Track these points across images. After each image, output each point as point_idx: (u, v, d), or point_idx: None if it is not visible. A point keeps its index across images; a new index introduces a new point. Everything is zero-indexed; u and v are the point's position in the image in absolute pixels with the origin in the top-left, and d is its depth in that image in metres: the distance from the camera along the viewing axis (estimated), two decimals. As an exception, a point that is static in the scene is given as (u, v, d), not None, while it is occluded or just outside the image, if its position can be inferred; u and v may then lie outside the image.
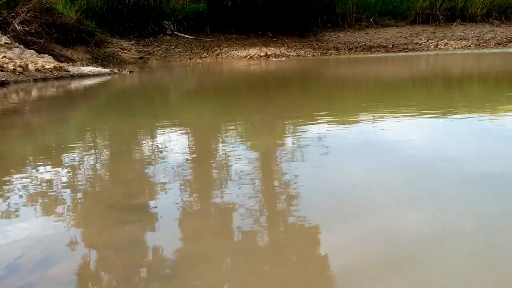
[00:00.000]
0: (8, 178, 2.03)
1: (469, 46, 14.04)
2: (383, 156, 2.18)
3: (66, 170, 2.11)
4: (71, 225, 1.48)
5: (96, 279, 1.15)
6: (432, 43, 14.33)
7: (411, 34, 14.89)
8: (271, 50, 13.43)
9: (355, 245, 1.27)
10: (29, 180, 1.96)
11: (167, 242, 1.33)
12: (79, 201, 1.71)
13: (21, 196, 1.75)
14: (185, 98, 5.54)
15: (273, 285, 1.10)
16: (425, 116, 3.19)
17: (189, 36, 14.28)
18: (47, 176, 2.00)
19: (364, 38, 14.65)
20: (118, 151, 2.59)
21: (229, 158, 2.26)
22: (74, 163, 2.24)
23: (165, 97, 5.72)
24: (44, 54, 9.03)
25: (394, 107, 3.81)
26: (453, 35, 14.82)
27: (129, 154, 2.47)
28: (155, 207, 1.61)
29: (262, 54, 13.18)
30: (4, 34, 9.18)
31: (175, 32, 14.21)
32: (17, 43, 8.97)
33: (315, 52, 13.66)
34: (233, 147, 2.48)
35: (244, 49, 13.58)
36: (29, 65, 7.51)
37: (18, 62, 7.53)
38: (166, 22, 14.21)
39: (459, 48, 13.91)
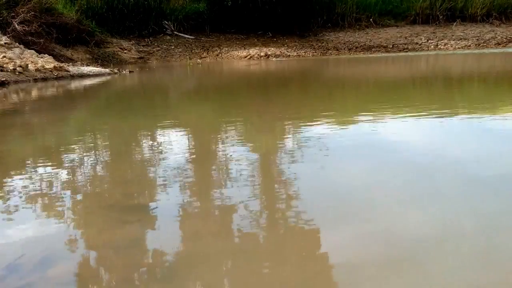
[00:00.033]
0: (8, 178, 2.03)
1: (469, 46, 14.04)
2: (383, 156, 2.18)
3: (66, 170, 2.11)
4: (71, 225, 1.48)
5: (96, 279, 1.15)
6: (432, 43, 14.33)
7: (411, 34, 14.89)
8: (271, 50, 13.43)
9: (355, 245, 1.27)
10: (29, 180, 1.96)
11: (167, 242, 1.33)
12: (79, 201, 1.71)
13: (21, 196, 1.75)
14: (185, 98, 5.54)
15: (273, 285, 1.10)
16: (425, 116, 3.19)
17: (189, 36, 14.28)
18: (47, 176, 2.00)
19: (364, 38, 14.65)
20: (118, 151, 2.59)
21: (229, 158, 2.26)
22: (74, 163, 2.24)
23: (165, 97, 5.72)
24: (44, 54, 9.03)
25: (394, 107, 3.81)
26: (453, 35, 14.82)
27: (129, 154, 2.47)
28: (155, 207, 1.61)
29: (262, 54, 13.18)
30: (4, 34, 9.18)
31: (175, 32, 14.21)
32: (17, 43, 8.97)
33: (315, 52, 13.66)
34: (233, 147, 2.48)
35: (244, 49, 13.58)
36: (29, 65, 7.51)
37: (18, 62, 7.53)
38: (166, 22, 14.21)
39: (459, 48, 13.91)
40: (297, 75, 8.29)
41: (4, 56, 7.71)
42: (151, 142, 2.77)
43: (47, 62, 8.20)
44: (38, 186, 1.87)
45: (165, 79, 8.66)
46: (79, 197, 1.75)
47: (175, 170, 2.04)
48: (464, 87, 5.47)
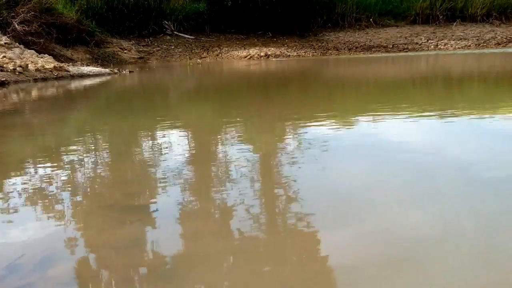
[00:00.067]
0: (8, 178, 2.03)
1: (469, 46, 14.04)
2: (383, 156, 2.17)
3: (66, 170, 2.11)
4: (71, 225, 1.48)
5: (96, 279, 1.15)
6: (432, 43, 14.33)
7: (411, 34, 14.90)
8: (271, 50, 13.44)
9: (355, 245, 1.27)
10: (29, 180, 1.96)
11: (167, 242, 1.33)
12: (79, 201, 1.71)
13: (21, 196, 1.75)
14: (185, 98, 5.54)
15: (273, 285, 1.10)
16: (425, 116, 3.19)
17: (189, 36, 14.28)
18: (47, 176, 2.00)
19: (364, 38, 14.65)
20: (118, 151, 2.59)
21: (229, 158, 2.26)
22: (74, 163, 2.24)
23: (165, 97, 5.73)
24: (44, 54, 9.03)
25: (394, 107, 3.81)
26: (453, 35, 14.83)
27: (129, 154, 2.47)
28: (155, 207, 1.61)
29: (262, 54, 13.18)
30: (4, 34, 9.18)
31: (175, 32, 14.21)
32: (17, 43, 8.98)
33: (315, 52, 13.67)
34: (233, 148, 2.48)
35: (244, 49, 13.59)
36: (29, 65, 7.51)
37: (18, 62, 7.53)
38: (166, 22, 14.21)
39: (459, 48, 13.91)
40: (297, 75, 8.29)
41: (4, 56, 7.71)
42: (151, 142, 2.77)
43: (47, 62, 8.20)
44: (38, 186, 1.87)
45: (165, 79, 8.66)
46: (79, 197, 1.75)
47: (175, 170, 2.04)
48: (464, 87, 5.47)
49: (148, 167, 2.15)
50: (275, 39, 14.50)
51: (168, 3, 14.48)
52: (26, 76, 7.19)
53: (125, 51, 12.78)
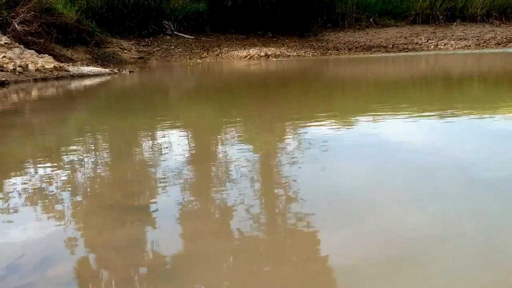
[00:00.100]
0: (8, 178, 2.03)
1: (469, 46, 14.04)
2: (383, 156, 2.17)
3: (66, 170, 2.11)
4: (71, 225, 1.48)
5: (96, 279, 1.15)
6: (432, 43, 14.33)
7: (411, 34, 14.90)
8: (271, 50, 13.44)
9: (355, 245, 1.27)
10: (29, 180, 1.96)
11: (167, 242, 1.33)
12: (79, 201, 1.71)
13: (21, 196, 1.75)
14: (185, 98, 5.54)
15: (273, 285, 1.10)
16: (425, 116, 3.19)
17: (189, 36, 14.28)
18: (47, 176, 2.00)
19: (364, 38, 14.66)
20: (118, 151, 2.59)
21: (229, 158, 2.26)
22: (74, 163, 2.24)
23: (165, 97, 5.73)
24: (44, 54, 9.03)
25: (394, 107, 3.81)
26: (453, 35, 14.83)
27: (129, 154, 2.47)
28: (155, 207, 1.61)
29: (262, 54, 13.18)
30: (4, 34, 9.18)
31: (175, 32, 14.21)
32: (17, 43, 8.98)
33: (315, 52, 13.67)
34: (233, 148, 2.48)
35: (244, 49, 13.59)
36: (29, 65, 7.51)
37: (18, 62, 7.53)
38: (166, 22, 14.21)
39: (459, 48, 13.91)
40: (297, 75, 8.29)
41: (4, 56, 7.71)
42: (151, 142, 2.77)
43: (47, 62, 8.20)
44: (38, 186, 1.87)
45: (165, 79, 8.66)
46: (79, 197, 1.75)
47: (175, 170, 2.04)
48: (464, 87, 5.47)
49: (148, 167, 2.15)
50: (275, 39, 14.50)
51: (168, 3, 14.48)
52: (26, 76, 7.19)
53: (125, 51, 12.78)
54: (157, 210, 1.58)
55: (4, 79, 6.58)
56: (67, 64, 8.70)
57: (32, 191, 1.81)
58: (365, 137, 2.59)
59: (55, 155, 2.46)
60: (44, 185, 1.88)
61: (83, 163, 2.23)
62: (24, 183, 1.90)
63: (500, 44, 14.15)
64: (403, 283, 1.08)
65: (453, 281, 1.08)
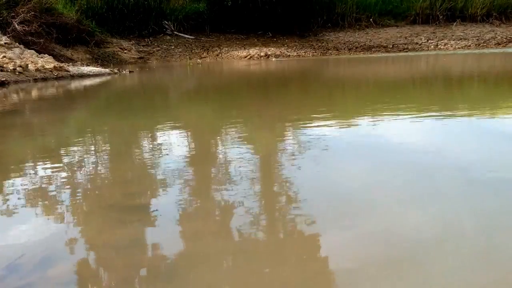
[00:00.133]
0: (8, 178, 2.03)
1: (469, 46, 14.05)
2: (383, 156, 2.17)
3: (66, 170, 2.11)
4: (71, 225, 1.48)
5: (96, 279, 1.15)
6: (432, 43, 14.33)
7: (411, 34, 14.90)
8: (271, 50, 13.44)
9: (355, 245, 1.27)
10: (29, 180, 1.96)
11: (167, 242, 1.33)
12: (79, 201, 1.71)
13: (21, 196, 1.75)
14: (185, 98, 5.54)
15: (273, 285, 1.10)
16: (425, 116, 3.19)
17: (189, 36, 14.28)
18: (47, 176, 2.00)
19: (364, 38, 14.66)
20: (118, 151, 2.59)
21: (229, 158, 2.26)
22: (74, 163, 2.24)
23: (165, 97, 5.73)
24: (44, 54, 9.04)
25: (394, 107, 3.81)
26: (453, 35, 14.83)
27: (129, 154, 2.47)
28: (155, 207, 1.61)
29: (262, 54, 13.18)
30: (4, 34, 9.18)
31: (175, 32, 14.22)
32: (17, 43, 8.98)
33: (315, 52, 13.67)
34: (233, 148, 2.48)
35: (244, 49, 13.59)
36: (29, 65, 7.52)
37: (18, 62, 7.54)
38: (166, 22, 14.21)
39: (459, 48, 13.91)
40: (297, 75, 8.29)
41: (4, 56, 7.71)
42: (151, 142, 2.77)
43: (47, 62, 8.20)
44: (38, 186, 1.87)
45: (165, 79, 8.67)
46: (79, 197, 1.75)
47: (175, 170, 2.04)
48: (464, 87, 5.47)
49: (148, 167, 2.15)
50: (275, 39, 14.50)
51: (168, 3, 14.48)
52: (26, 76, 7.19)
53: (125, 51, 12.78)
54: (157, 210, 1.58)
55: (4, 79, 6.58)
56: (67, 64, 8.70)
57: (32, 191, 1.81)
58: (365, 137, 2.59)
59: (55, 155, 2.46)
60: (44, 185, 1.88)
61: (83, 163, 2.23)
62: (24, 183, 1.90)
63: (500, 44, 14.16)
64: (403, 283, 1.08)
65: (453, 281, 1.08)
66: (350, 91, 5.50)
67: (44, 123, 3.68)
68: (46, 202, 1.69)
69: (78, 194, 1.77)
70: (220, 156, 2.39)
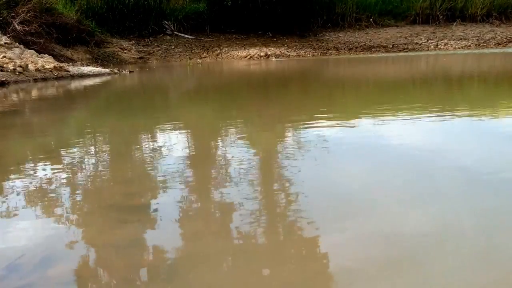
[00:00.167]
0: (8, 178, 2.03)
1: (469, 46, 14.05)
2: (383, 156, 2.18)
3: (66, 170, 2.11)
4: (71, 225, 1.48)
5: (96, 279, 1.15)
6: (432, 43, 14.33)
7: (411, 34, 14.90)
8: (271, 50, 13.44)
9: (355, 245, 1.27)
10: (29, 180, 1.96)
11: (167, 242, 1.33)
12: (79, 201, 1.71)
13: (21, 196, 1.75)
14: (185, 98, 5.54)
15: (273, 285, 1.10)
16: (425, 116, 3.19)
17: (189, 36, 14.28)
18: (47, 176, 2.00)
19: (364, 38, 14.66)
20: (118, 151, 2.59)
21: (229, 158, 2.26)
22: (74, 163, 2.24)
23: (165, 97, 5.73)
24: (44, 54, 9.03)
25: (394, 107, 3.81)
26: (453, 35, 14.83)
27: (129, 154, 2.47)
28: (155, 207, 1.61)
29: (262, 54, 13.18)
30: (4, 34, 9.18)
31: (175, 32, 14.22)
32: (17, 43, 8.98)
33: (315, 52, 13.67)
34: (233, 148, 2.48)
35: (244, 49, 13.59)
36: (29, 65, 7.51)
37: (18, 62, 7.53)
38: (166, 22, 14.21)
39: (459, 48, 13.91)
40: (297, 75, 8.29)
41: (4, 56, 7.71)
42: (151, 142, 2.77)
43: (47, 62, 8.20)
44: (38, 186, 1.87)
45: (165, 79, 8.67)
46: (79, 197, 1.75)
47: (175, 170, 2.04)
48: (464, 87, 5.47)
49: (148, 167, 2.15)
50: (275, 39, 14.50)
51: (168, 3, 14.48)
52: (26, 76, 7.19)
53: (125, 51, 12.78)
54: (157, 210, 1.58)
55: (4, 79, 6.58)
56: (67, 64, 8.70)
57: (32, 191, 1.81)
58: (365, 137, 2.59)
59: (55, 155, 2.46)
60: (44, 185, 1.88)
61: (83, 163, 2.23)
62: (24, 183, 1.90)
63: (500, 44, 14.16)
64: (403, 283, 1.08)
65: (453, 281, 1.08)
66: (350, 91, 5.50)
67: (44, 123, 3.68)
68: (46, 202, 1.69)
69: (78, 194, 1.77)
70: (220, 156, 2.39)
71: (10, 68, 7.08)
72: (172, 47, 13.65)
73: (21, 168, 2.19)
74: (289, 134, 2.85)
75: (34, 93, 5.99)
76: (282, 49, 13.67)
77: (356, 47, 14.02)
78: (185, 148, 2.57)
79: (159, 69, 10.51)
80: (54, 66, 7.92)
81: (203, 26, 14.49)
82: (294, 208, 1.57)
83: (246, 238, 1.35)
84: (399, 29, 15.27)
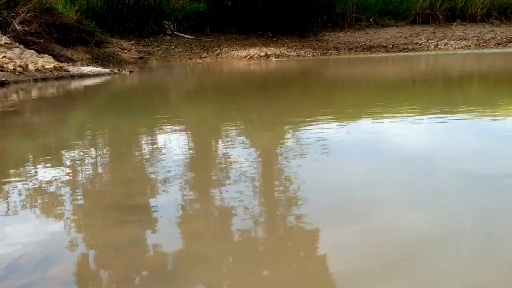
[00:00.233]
0: (8, 178, 2.03)
1: (469, 46, 14.05)
2: (383, 156, 2.18)
3: (66, 170, 2.11)
4: (71, 225, 1.48)
5: (96, 279, 1.15)
6: (432, 43, 14.33)
7: (411, 34, 14.90)
8: (271, 50, 13.44)
9: (355, 245, 1.27)
10: (29, 180, 1.96)
11: (167, 242, 1.33)
12: (79, 201, 1.71)
13: (21, 196, 1.75)
14: (185, 98, 5.54)
15: (273, 285, 1.10)
16: (425, 116, 3.19)
17: (189, 36, 14.28)
18: (47, 176, 2.00)
19: (364, 38, 14.66)
20: (118, 151, 2.59)
21: (229, 158, 2.26)
22: (74, 163, 2.24)
23: (165, 97, 5.72)
24: (44, 54, 9.03)
25: (394, 107, 3.81)
26: (453, 35, 14.83)
27: (129, 154, 2.47)
28: (155, 207, 1.61)
29: (262, 54, 13.18)
30: (4, 34, 9.18)
31: (175, 32, 14.22)
32: (17, 43, 8.98)
33: (315, 52, 13.67)
34: (233, 148, 2.48)
35: (244, 49, 13.59)
36: (29, 65, 7.51)
37: (18, 62, 7.53)
38: (166, 22, 14.21)
39: (459, 48, 13.91)
40: (297, 75, 8.29)
41: (4, 56, 7.71)
42: (151, 142, 2.77)
43: (47, 62, 8.20)
44: (38, 186, 1.87)
45: (165, 79, 8.67)
46: (79, 197, 1.75)
47: (175, 170, 2.04)
48: (464, 87, 5.47)
49: (148, 167, 2.15)
50: (275, 39, 14.50)
51: (168, 3, 14.48)
52: (26, 76, 7.19)
53: (125, 51, 12.78)
54: (157, 210, 1.58)
55: (4, 79, 6.58)
56: (67, 64, 8.70)
57: (32, 191, 1.81)
58: (365, 137, 2.59)
59: (55, 155, 2.46)
60: (44, 185, 1.88)
61: (83, 163, 2.23)
62: (24, 183, 1.90)
63: (500, 44, 14.16)
64: (403, 283, 1.08)
65: (453, 280, 1.08)
66: (350, 91, 5.50)
67: (44, 123, 3.68)
68: (46, 202, 1.69)
69: (78, 194, 1.77)
70: (220, 156, 2.39)
71: (10, 68, 7.08)
72: (172, 47, 13.65)
73: (21, 168, 2.19)
74: (289, 134, 2.85)
75: (34, 93, 5.99)
76: (282, 49, 13.67)
77: (356, 47, 14.02)
78: (185, 148, 2.57)
79: (159, 69, 10.51)
80: (54, 66, 7.92)
81: (203, 26, 14.50)
82: (294, 208, 1.57)
83: (246, 238, 1.35)
84: (399, 29, 15.27)
